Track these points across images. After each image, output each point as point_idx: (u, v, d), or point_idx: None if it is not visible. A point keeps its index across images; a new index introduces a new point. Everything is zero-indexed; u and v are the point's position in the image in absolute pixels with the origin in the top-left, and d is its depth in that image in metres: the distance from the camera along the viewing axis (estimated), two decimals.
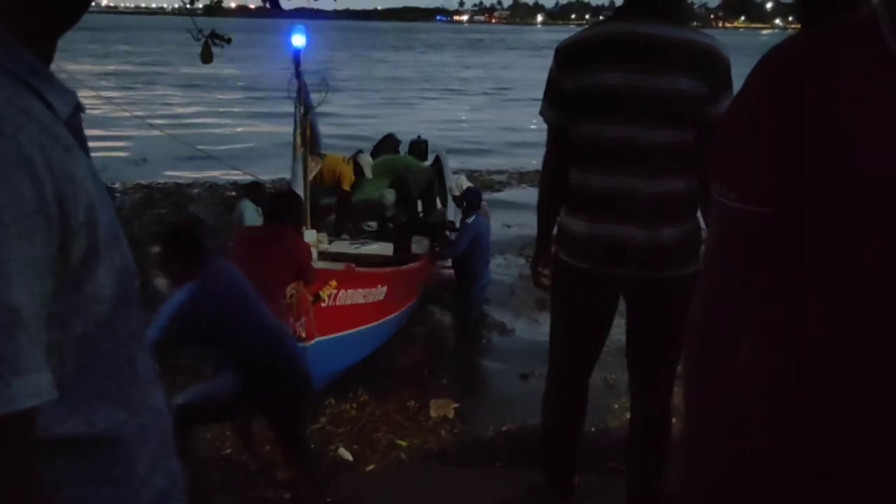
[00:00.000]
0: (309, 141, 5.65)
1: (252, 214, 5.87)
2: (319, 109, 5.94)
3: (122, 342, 0.74)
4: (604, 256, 2.15)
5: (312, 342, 4.09)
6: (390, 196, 6.69)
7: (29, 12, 0.70)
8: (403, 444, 3.85)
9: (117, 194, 10.05)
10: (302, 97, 5.58)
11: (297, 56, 5.40)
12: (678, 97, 2.01)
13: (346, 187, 6.83)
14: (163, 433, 0.81)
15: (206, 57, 4.02)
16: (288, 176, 6.45)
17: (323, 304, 4.19)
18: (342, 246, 5.96)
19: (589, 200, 2.16)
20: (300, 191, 5.24)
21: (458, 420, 4.21)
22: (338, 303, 4.33)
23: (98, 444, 0.71)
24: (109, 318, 0.71)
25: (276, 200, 3.81)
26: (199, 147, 9.72)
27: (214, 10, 4.95)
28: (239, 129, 17.40)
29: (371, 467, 3.61)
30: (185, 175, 11.63)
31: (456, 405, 4.37)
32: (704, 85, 2.02)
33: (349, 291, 4.42)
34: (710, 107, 2.04)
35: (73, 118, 0.73)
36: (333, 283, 4.26)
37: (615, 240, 2.12)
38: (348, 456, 3.69)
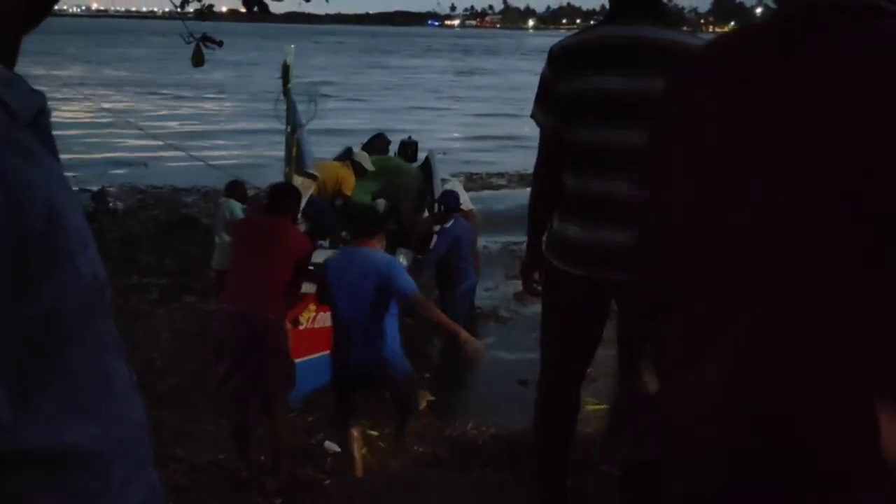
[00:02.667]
0: (295, 160, 5.55)
1: (240, 213, 5.82)
2: (310, 126, 5.85)
3: (93, 353, 0.72)
4: (599, 262, 2.14)
5: None
6: (381, 206, 6.63)
7: None
8: (374, 433, 3.84)
9: (110, 199, 10.00)
10: (289, 115, 5.50)
11: (285, 72, 5.34)
12: None
13: (349, 192, 6.63)
14: (140, 445, 0.79)
15: (198, 60, 4.01)
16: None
17: (301, 328, 4.15)
18: (325, 255, 5.83)
19: (584, 205, 2.14)
20: None
21: (430, 413, 4.21)
22: (316, 325, 4.28)
23: (70, 458, 0.68)
24: (77, 328, 0.69)
25: (274, 192, 3.76)
26: (192, 154, 9.70)
27: (205, 14, 4.93)
28: (230, 135, 17.35)
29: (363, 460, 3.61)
30: (180, 179, 11.61)
31: (431, 398, 4.35)
32: None
33: (328, 313, 4.39)
34: None
35: (38, 121, 0.71)
36: (312, 306, 4.22)
37: (611, 245, 2.10)
38: (335, 447, 3.67)
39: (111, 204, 9.41)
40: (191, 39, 3.97)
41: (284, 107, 5.50)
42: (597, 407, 3.92)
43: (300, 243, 3.51)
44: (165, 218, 8.88)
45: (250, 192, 7.00)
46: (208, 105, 23.89)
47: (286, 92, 5.43)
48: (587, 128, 2.10)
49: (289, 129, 5.52)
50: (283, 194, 3.68)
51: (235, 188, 6.33)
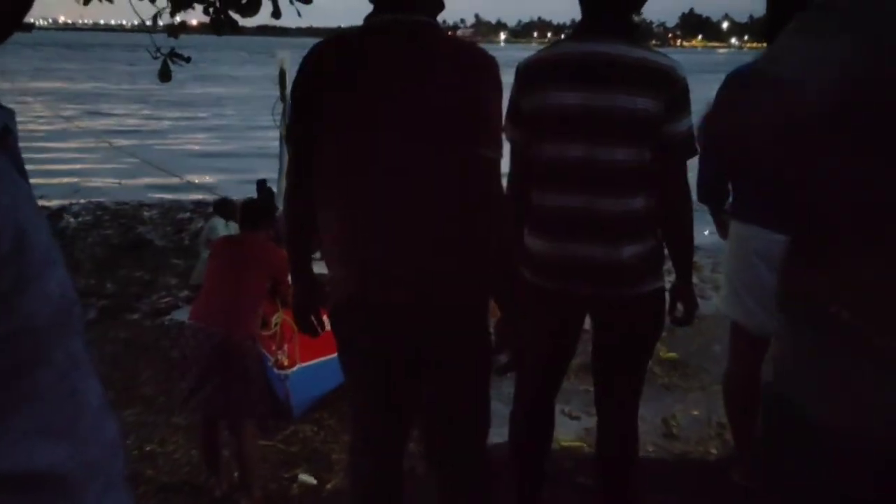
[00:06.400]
0: None
1: (223, 231, 5.79)
2: None
3: (63, 373, 0.70)
4: (566, 275, 2.15)
5: (294, 369, 4.01)
6: None
7: None
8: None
9: (66, 215, 9.83)
10: (287, 119, 5.50)
11: (282, 78, 5.37)
12: (634, 116, 2.03)
13: None
14: (113, 466, 0.77)
15: (165, 76, 3.99)
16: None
17: None
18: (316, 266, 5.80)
19: (549, 220, 2.16)
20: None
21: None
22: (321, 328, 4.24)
23: (42, 480, 0.67)
24: (47, 348, 0.67)
25: (247, 207, 3.72)
26: (180, 174, 9.61)
27: (176, 29, 4.90)
28: (208, 147, 17.21)
29: (330, 485, 3.56)
30: (148, 196, 11.47)
31: None
32: (660, 104, 2.03)
33: None
34: (666, 126, 2.05)
35: (4, 140, 0.70)
36: None
37: (576, 259, 2.12)
38: (312, 480, 3.60)
39: (62, 223, 9.23)
40: (158, 55, 3.94)
41: (280, 112, 5.52)
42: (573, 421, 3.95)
43: (274, 258, 3.47)
44: (117, 241, 8.73)
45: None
46: (176, 117, 23.69)
47: (283, 98, 5.46)
48: (551, 143, 2.12)
49: (285, 134, 5.54)
50: (254, 211, 3.64)
51: (223, 206, 6.29)
